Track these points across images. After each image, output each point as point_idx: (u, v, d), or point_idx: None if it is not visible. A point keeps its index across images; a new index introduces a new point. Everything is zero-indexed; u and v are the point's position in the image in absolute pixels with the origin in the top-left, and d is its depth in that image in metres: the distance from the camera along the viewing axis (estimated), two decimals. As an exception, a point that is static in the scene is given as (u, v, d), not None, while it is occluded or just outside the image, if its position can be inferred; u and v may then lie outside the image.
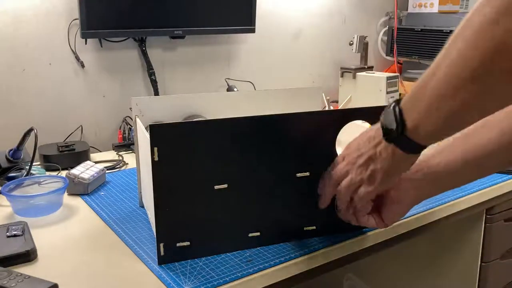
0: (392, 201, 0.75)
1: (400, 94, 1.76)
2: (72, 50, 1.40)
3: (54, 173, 1.16)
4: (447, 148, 0.75)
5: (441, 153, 0.75)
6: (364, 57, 1.82)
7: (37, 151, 1.12)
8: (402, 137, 0.63)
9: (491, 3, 0.50)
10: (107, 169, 1.20)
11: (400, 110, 0.63)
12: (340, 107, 1.71)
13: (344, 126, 0.82)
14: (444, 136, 0.65)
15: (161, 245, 0.76)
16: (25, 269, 0.75)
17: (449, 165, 0.74)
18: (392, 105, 0.64)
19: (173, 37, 1.54)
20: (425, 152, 0.67)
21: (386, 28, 2.10)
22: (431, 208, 0.99)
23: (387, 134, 0.66)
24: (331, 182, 0.77)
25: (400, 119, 0.62)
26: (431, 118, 0.59)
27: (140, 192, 1.00)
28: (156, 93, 1.53)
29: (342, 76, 1.78)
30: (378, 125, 0.68)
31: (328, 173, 0.79)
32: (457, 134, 0.74)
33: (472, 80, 0.53)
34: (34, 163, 1.13)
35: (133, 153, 1.37)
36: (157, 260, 0.77)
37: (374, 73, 1.74)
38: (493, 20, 0.49)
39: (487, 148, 0.73)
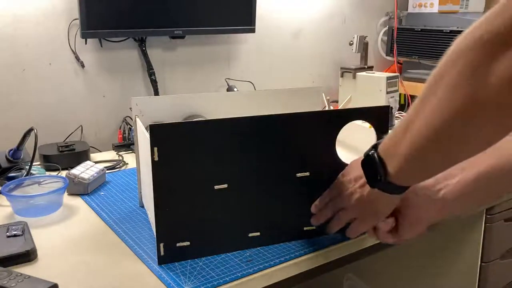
0: (411, 220, 0.75)
1: (400, 94, 1.77)
2: (72, 50, 1.40)
3: (54, 173, 1.16)
4: (469, 164, 0.72)
5: (462, 170, 0.72)
6: (364, 57, 1.82)
7: (37, 151, 1.12)
8: (385, 183, 0.66)
9: (458, 64, 0.51)
10: (107, 169, 1.20)
11: (380, 157, 0.65)
12: (340, 107, 1.71)
13: (344, 126, 0.82)
14: (427, 178, 0.68)
15: (161, 245, 0.76)
16: (25, 269, 0.75)
17: (467, 183, 0.72)
18: (371, 151, 0.67)
19: (173, 37, 1.54)
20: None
21: (386, 28, 2.10)
22: (431, 208, 0.99)
23: (371, 180, 0.68)
24: (329, 209, 0.80)
25: (382, 167, 0.65)
26: (410, 166, 0.61)
27: (140, 192, 1.00)
28: (156, 93, 1.53)
29: (342, 76, 1.78)
30: (360, 166, 0.70)
31: (326, 196, 0.81)
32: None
33: (445, 132, 0.54)
34: (34, 163, 1.13)
35: (133, 153, 1.37)
36: (157, 260, 0.77)
37: (374, 73, 1.74)
38: (460, 83, 0.51)
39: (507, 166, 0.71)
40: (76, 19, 1.35)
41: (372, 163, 0.66)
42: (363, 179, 0.71)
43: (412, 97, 1.92)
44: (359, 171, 0.72)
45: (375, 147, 0.67)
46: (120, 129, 1.47)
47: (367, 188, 0.71)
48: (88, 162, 1.15)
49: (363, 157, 0.69)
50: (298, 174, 0.81)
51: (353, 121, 0.82)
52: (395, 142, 0.63)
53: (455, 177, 0.72)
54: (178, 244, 0.77)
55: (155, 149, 0.72)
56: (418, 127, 0.57)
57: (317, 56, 1.94)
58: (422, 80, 1.95)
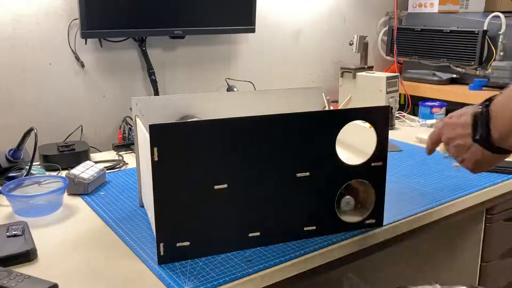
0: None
1: (400, 94, 1.76)
2: (72, 50, 1.40)
3: (54, 173, 1.16)
4: None
5: None
6: (364, 57, 1.82)
7: (37, 151, 1.12)
8: (488, 143, 0.65)
9: None
10: (107, 169, 1.20)
11: (488, 118, 0.64)
12: (340, 107, 1.71)
13: (344, 126, 0.82)
14: None
15: (161, 245, 0.76)
16: (25, 269, 0.75)
17: None
18: (482, 108, 0.65)
19: (173, 37, 1.54)
20: None
21: (386, 28, 2.10)
22: (431, 208, 0.99)
23: (474, 137, 0.67)
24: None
25: (486, 128, 0.64)
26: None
27: (140, 192, 1.00)
28: (156, 93, 1.53)
29: (342, 76, 1.78)
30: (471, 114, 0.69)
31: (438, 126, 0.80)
32: None
33: None
34: (34, 163, 1.13)
35: (133, 153, 1.37)
36: (157, 260, 0.77)
37: (374, 73, 1.74)
38: None
39: None
40: (76, 19, 1.35)
41: (479, 121, 0.66)
42: (469, 130, 0.70)
43: (412, 97, 1.92)
44: (467, 117, 0.71)
45: (488, 103, 0.65)
46: (120, 129, 1.47)
47: (470, 140, 0.70)
48: (88, 162, 1.15)
49: (474, 110, 0.68)
50: (298, 174, 0.81)
51: (353, 121, 0.82)
52: (502, 108, 0.62)
53: None
54: (178, 244, 0.77)
55: (155, 149, 0.72)
56: None
57: (317, 56, 1.95)
58: (422, 80, 1.95)
